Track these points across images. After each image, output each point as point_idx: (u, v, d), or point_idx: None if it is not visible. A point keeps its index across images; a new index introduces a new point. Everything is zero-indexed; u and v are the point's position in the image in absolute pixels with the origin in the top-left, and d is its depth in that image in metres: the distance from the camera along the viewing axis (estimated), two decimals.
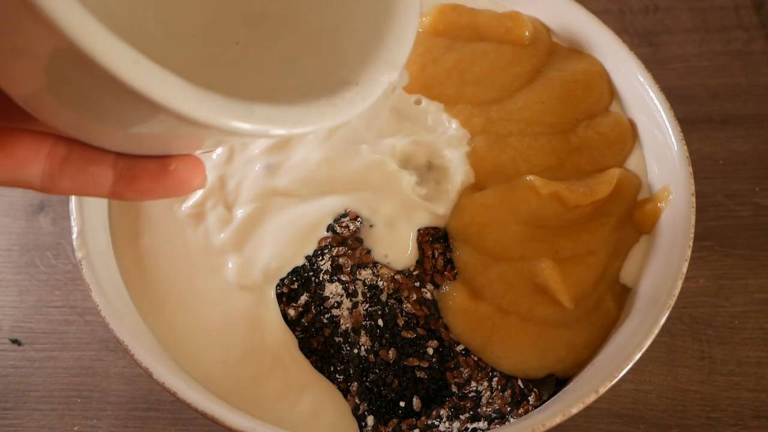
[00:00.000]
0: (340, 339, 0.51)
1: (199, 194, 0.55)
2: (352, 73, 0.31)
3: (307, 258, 0.52)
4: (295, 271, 0.52)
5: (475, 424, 0.49)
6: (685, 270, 0.49)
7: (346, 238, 0.53)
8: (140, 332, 0.49)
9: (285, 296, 0.52)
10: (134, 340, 0.47)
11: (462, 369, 0.51)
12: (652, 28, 0.78)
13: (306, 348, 0.51)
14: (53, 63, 0.25)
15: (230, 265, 0.52)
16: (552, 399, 0.47)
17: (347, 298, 0.52)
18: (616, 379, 0.45)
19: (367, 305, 0.52)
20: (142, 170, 0.30)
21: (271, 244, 0.52)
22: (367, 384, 0.50)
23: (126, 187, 0.30)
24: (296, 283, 0.52)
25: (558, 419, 0.44)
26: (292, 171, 0.55)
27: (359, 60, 0.32)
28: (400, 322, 0.52)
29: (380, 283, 0.53)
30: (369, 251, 0.53)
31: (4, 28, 0.24)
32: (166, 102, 0.24)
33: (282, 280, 0.52)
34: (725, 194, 0.68)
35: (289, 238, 0.52)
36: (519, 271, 0.52)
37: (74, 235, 0.51)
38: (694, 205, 0.51)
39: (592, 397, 0.45)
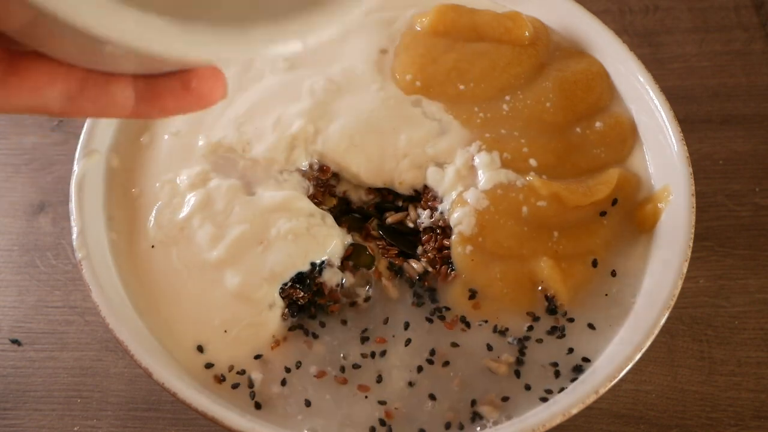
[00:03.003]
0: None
1: (185, 212, 0.54)
2: None
3: (312, 264, 0.52)
4: (299, 276, 0.52)
5: None
6: (685, 270, 0.49)
7: None
8: (140, 332, 0.49)
9: (287, 298, 0.52)
10: (134, 340, 0.47)
11: None
12: (652, 28, 0.78)
13: None
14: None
15: (231, 277, 0.51)
16: (552, 399, 0.47)
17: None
18: (616, 380, 0.45)
19: None
20: (163, 89, 0.29)
21: (275, 252, 0.52)
22: None
23: (149, 106, 0.29)
24: (299, 288, 0.52)
25: (558, 420, 0.44)
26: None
27: None
28: None
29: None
30: None
31: None
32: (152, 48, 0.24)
33: (285, 283, 0.52)
34: (725, 194, 0.68)
35: (293, 245, 0.52)
36: (519, 270, 0.52)
37: (74, 235, 0.51)
38: (694, 205, 0.51)
39: (592, 398, 0.45)
